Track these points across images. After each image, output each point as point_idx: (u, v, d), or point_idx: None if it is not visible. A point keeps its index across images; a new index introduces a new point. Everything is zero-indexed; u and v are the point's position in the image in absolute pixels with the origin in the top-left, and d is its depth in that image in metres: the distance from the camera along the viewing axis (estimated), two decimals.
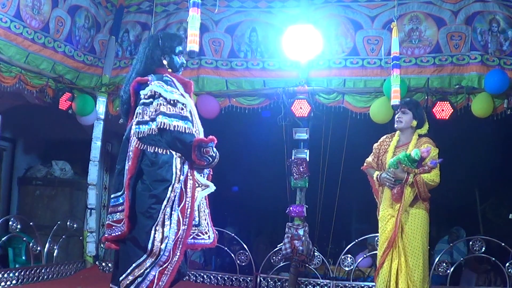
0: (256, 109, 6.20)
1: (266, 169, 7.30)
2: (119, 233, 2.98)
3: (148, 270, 2.87)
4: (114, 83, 6.50)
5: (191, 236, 2.98)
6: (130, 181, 2.94)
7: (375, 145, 4.27)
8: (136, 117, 2.99)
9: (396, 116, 4.15)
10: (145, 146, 2.94)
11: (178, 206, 2.90)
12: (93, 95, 6.38)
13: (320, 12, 6.01)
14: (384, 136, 4.29)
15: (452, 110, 5.41)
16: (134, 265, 2.89)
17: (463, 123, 5.73)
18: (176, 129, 2.88)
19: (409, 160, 3.76)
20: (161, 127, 2.88)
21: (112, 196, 3.09)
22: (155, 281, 2.87)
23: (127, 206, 2.93)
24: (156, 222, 2.87)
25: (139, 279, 2.87)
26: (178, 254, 2.91)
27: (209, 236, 3.07)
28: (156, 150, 2.92)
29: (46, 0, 5.42)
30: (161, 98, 2.92)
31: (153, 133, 2.91)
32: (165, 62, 3.15)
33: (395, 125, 4.14)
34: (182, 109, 2.95)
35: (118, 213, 3.01)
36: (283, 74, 6.09)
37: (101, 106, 6.45)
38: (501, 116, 5.43)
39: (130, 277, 2.89)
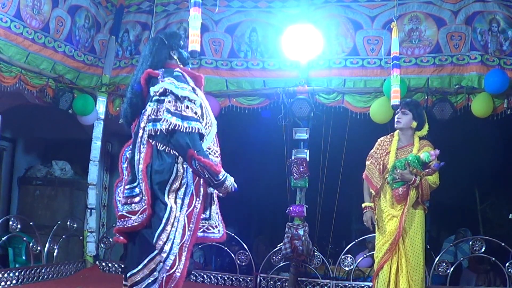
0: (256, 109, 6.21)
1: (266, 169, 7.29)
2: (137, 224, 2.91)
3: (158, 270, 2.83)
4: (114, 83, 6.50)
5: (201, 230, 2.98)
6: (146, 169, 2.91)
7: (373, 150, 4.25)
8: (148, 114, 2.98)
9: (396, 116, 4.16)
10: (155, 143, 2.95)
11: (186, 211, 2.89)
12: (93, 95, 6.38)
13: (320, 12, 6.01)
14: (381, 139, 4.28)
15: (452, 110, 5.42)
16: (148, 258, 2.85)
17: (463, 123, 5.73)
18: (177, 128, 2.86)
19: (419, 162, 3.79)
20: (168, 127, 2.87)
21: (126, 187, 3.00)
22: (163, 284, 2.82)
23: (148, 195, 2.88)
24: (166, 222, 2.85)
25: (149, 281, 2.83)
26: (184, 259, 2.86)
27: (219, 230, 3.07)
28: (163, 148, 2.93)
29: (46, 0, 5.42)
30: (171, 95, 2.92)
31: (162, 131, 2.91)
32: (175, 57, 3.18)
33: (395, 125, 4.16)
34: (187, 107, 2.92)
35: (134, 204, 2.94)
36: (283, 74, 6.09)
37: (101, 106, 6.45)
38: (501, 116, 5.43)
39: (141, 274, 2.84)
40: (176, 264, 2.83)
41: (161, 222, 2.84)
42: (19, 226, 5.50)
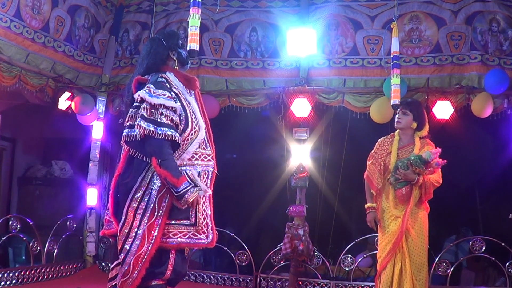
0: (256, 109, 6.21)
1: (266, 169, 7.29)
2: (113, 229, 3.11)
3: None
4: (114, 83, 6.51)
5: (187, 236, 2.93)
6: (117, 177, 3.04)
7: (374, 151, 4.23)
8: (126, 120, 3.03)
9: (396, 116, 4.15)
10: (130, 149, 3.00)
11: (147, 223, 2.87)
12: (93, 95, 6.38)
13: (320, 11, 6.01)
14: (381, 139, 4.26)
15: (452, 110, 5.42)
16: (114, 264, 3.06)
17: (463, 123, 5.72)
18: (151, 134, 2.83)
19: (421, 161, 3.78)
20: (142, 133, 2.86)
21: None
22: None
23: (111, 204, 3.08)
24: (120, 231, 2.94)
25: (113, 283, 3.00)
26: (139, 269, 2.85)
27: (206, 236, 2.99)
28: (136, 155, 2.97)
29: (46, 0, 5.42)
30: (146, 103, 2.89)
31: (137, 138, 2.91)
32: (174, 58, 3.16)
33: (395, 125, 4.15)
34: (162, 114, 2.86)
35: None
36: (283, 74, 6.09)
37: (101, 106, 6.45)
38: (501, 116, 5.43)
39: (110, 274, 3.08)
40: (129, 273, 2.85)
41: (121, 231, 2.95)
42: (19, 226, 5.50)
